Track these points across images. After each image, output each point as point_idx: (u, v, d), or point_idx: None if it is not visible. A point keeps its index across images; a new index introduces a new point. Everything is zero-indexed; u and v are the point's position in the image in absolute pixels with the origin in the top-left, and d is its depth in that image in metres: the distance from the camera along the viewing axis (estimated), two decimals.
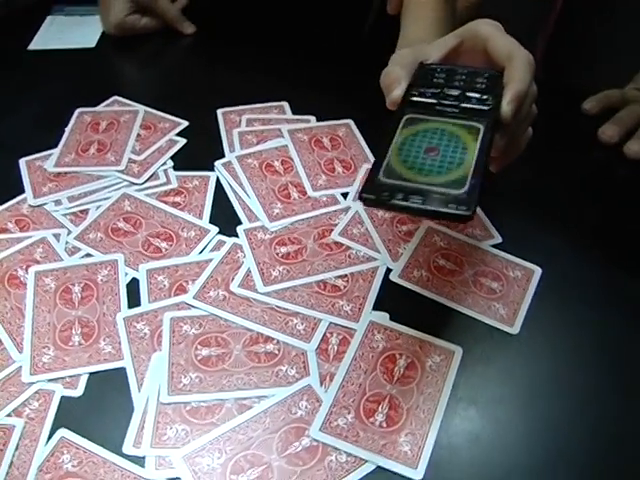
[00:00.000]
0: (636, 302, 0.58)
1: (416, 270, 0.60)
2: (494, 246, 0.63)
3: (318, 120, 0.75)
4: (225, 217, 0.65)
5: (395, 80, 0.51)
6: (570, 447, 0.48)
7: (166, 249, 0.61)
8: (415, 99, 0.49)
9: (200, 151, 0.71)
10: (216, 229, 0.63)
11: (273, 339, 0.54)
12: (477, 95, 0.49)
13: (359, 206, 0.65)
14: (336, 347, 0.54)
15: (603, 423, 0.50)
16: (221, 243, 0.62)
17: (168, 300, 0.57)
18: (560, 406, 0.51)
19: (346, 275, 0.60)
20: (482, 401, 0.51)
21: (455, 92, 0.49)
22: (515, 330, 0.56)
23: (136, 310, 0.56)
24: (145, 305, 0.57)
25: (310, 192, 0.67)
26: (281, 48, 0.88)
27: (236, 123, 0.75)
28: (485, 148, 0.43)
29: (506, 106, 0.48)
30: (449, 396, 0.51)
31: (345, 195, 0.67)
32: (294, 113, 0.77)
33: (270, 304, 0.57)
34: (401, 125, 0.46)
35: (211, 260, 0.60)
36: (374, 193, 0.40)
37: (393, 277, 0.59)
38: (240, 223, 0.64)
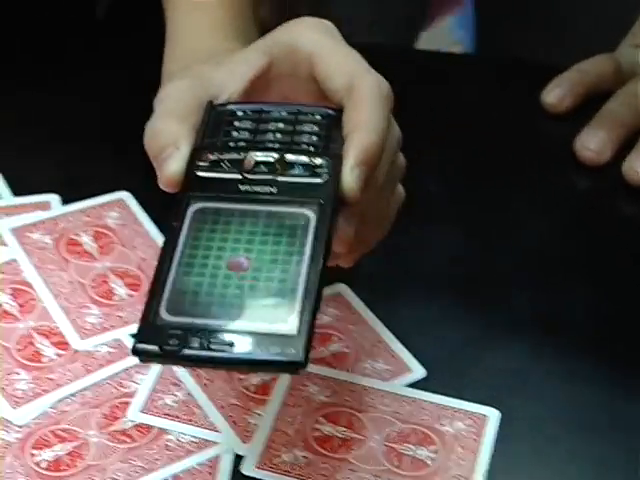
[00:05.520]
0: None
1: (284, 450, 0.38)
2: (413, 385, 0.40)
3: (64, 203, 0.48)
4: None
5: (169, 142, 0.34)
6: None
7: None
8: (204, 174, 0.34)
9: None
10: None
11: None
12: (303, 159, 0.34)
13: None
14: None
15: None
16: None
17: None
18: None
19: None
20: None
21: (269, 156, 0.34)
22: None
23: None
24: None
25: (76, 343, 0.42)
26: None
27: None
28: (321, 247, 0.31)
29: (349, 175, 0.32)
30: None
31: None
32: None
33: None
34: (187, 224, 0.32)
35: None
36: (155, 341, 0.29)
37: (247, 469, 0.37)
38: None
